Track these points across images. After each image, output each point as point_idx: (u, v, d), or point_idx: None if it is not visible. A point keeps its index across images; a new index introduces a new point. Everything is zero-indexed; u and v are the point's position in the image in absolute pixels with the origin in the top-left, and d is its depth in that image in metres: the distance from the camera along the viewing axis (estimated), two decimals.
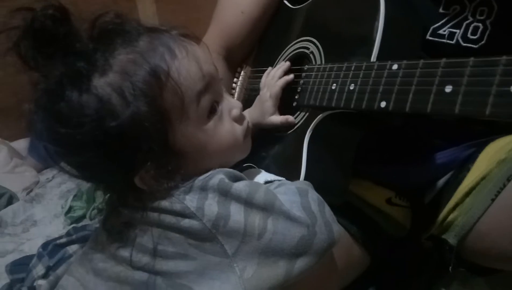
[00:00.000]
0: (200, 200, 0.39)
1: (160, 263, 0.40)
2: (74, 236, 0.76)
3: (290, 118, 0.57)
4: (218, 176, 0.41)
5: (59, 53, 0.38)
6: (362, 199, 0.65)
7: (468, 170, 0.61)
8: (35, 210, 1.08)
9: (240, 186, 0.40)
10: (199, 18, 1.68)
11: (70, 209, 1.03)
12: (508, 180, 0.55)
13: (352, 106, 0.45)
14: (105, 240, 0.44)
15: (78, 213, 1.00)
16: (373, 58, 0.46)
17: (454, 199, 0.61)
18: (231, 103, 0.46)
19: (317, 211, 0.42)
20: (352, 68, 0.46)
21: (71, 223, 0.98)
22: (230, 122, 0.46)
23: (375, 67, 0.43)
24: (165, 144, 0.40)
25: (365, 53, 0.46)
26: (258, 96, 0.61)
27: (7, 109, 1.60)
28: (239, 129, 0.46)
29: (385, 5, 0.46)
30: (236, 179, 0.42)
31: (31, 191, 1.23)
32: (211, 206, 0.39)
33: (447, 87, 0.34)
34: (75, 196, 1.07)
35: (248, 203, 0.39)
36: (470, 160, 0.61)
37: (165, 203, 0.40)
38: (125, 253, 0.41)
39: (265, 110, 0.58)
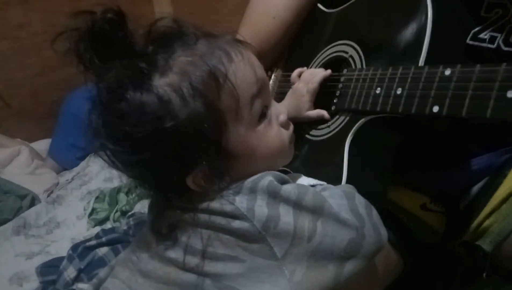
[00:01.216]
0: (250, 201, 0.39)
1: (209, 264, 0.40)
2: (104, 239, 0.76)
3: (325, 113, 0.57)
4: (267, 178, 0.41)
5: (117, 54, 0.39)
6: (397, 204, 0.65)
7: (505, 176, 0.60)
8: (57, 212, 1.09)
9: (289, 188, 0.40)
10: (217, 20, 1.71)
11: (92, 211, 1.04)
12: None
13: (400, 110, 0.45)
14: (152, 242, 0.45)
15: (101, 215, 1.01)
16: (421, 62, 0.45)
17: (490, 205, 0.60)
18: (278, 108, 0.46)
19: (365, 214, 0.42)
20: (399, 72, 0.46)
21: (95, 225, 0.98)
22: (278, 127, 0.46)
23: (425, 71, 0.43)
24: (219, 144, 0.40)
25: (411, 57, 0.46)
26: (291, 90, 0.61)
27: (26, 110, 1.62)
28: (285, 134, 0.47)
29: (432, 10, 0.46)
30: (284, 181, 0.43)
31: (51, 192, 1.24)
32: (261, 207, 0.39)
33: (509, 92, 0.34)
34: (97, 198, 1.08)
35: (297, 205, 0.39)
36: (506, 166, 0.61)
37: (215, 205, 0.40)
38: (173, 254, 0.42)
39: (301, 105, 0.59)
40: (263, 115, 0.44)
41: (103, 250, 0.74)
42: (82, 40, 0.39)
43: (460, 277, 0.71)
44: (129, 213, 0.95)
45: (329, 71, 0.58)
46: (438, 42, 0.47)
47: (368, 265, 0.41)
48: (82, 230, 0.98)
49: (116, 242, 0.75)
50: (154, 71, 0.39)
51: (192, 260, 0.41)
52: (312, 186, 0.48)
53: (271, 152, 0.45)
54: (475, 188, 0.64)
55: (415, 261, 0.65)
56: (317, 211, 0.40)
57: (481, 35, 0.56)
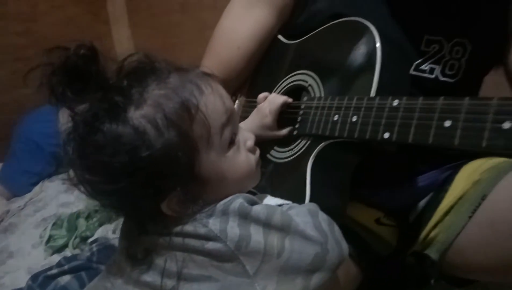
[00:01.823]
0: (222, 223, 0.42)
1: (185, 286, 0.42)
2: (66, 267, 0.74)
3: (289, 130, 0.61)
4: (238, 201, 0.44)
5: (92, 88, 0.41)
6: (354, 219, 0.70)
7: (446, 191, 0.67)
8: (10, 241, 1.04)
9: (258, 209, 0.43)
10: (175, 43, 1.73)
11: (49, 238, 1.00)
12: (483, 199, 0.62)
13: (355, 136, 0.50)
14: (126, 267, 0.46)
15: (59, 242, 0.98)
16: (372, 92, 0.51)
17: (435, 217, 0.67)
18: (245, 135, 0.50)
19: (328, 230, 0.45)
20: (354, 102, 0.51)
21: (53, 253, 0.95)
22: (245, 152, 0.49)
23: (377, 102, 0.48)
24: (192, 171, 0.43)
25: (364, 88, 0.52)
26: (256, 109, 0.64)
27: None
28: (253, 158, 0.50)
29: (381, 45, 0.52)
30: (254, 203, 0.46)
31: (1, 220, 1.17)
32: (233, 228, 0.41)
33: (446, 121, 0.40)
34: (54, 224, 1.04)
35: (266, 224, 0.42)
36: (447, 181, 0.68)
37: (189, 228, 0.42)
38: (149, 278, 0.43)
39: (265, 125, 0.62)
40: (232, 142, 0.47)
41: (65, 279, 0.72)
42: (56, 74, 0.41)
43: (412, 285, 0.78)
44: (91, 239, 0.93)
45: (291, 99, 0.62)
46: (387, 74, 0.53)
47: (331, 277, 0.45)
48: (39, 259, 0.94)
49: (79, 269, 0.73)
50: (129, 104, 0.41)
51: (168, 282, 0.42)
52: (279, 205, 0.52)
53: (240, 176, 0.48)
54: (422, 203, 0.70)
55: (371, 272, 0.70)
56: (285, 229, 0.43)
57: (422, 67, 0.63)
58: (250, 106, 0.72)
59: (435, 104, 0.41)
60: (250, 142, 0.50)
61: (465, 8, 0.61)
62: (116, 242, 0.85)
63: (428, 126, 0.41)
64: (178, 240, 0.42)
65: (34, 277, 0.74)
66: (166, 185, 0.42)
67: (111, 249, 0.81)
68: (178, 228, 0.43)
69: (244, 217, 0.42)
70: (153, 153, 0.39)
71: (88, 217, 1.02)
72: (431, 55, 0.63)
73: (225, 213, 0.43)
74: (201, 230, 0.42)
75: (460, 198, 0.64)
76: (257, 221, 0.42)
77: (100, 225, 1.00)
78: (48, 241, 0.99)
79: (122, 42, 1.89)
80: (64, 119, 1.47)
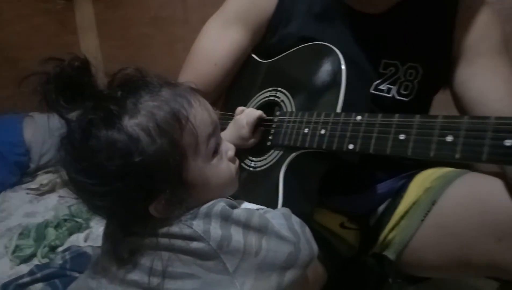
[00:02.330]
0: (206, 224, 0.46)
1: (169, 283, 0.45)
2: (39, 274, 0.74)
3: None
4: (220, 204, 0.48)
5: (84, 97, 0.44)
6: (321, 224, 0.76)
7: (402, 197, 0.75)
8: None
9: (239, 212, 0.48)
10: (145, 55, 1.74)
11: (16, 248, 0.98)
12: (433, 204, 0.70)
13: (324, 147, 0.56)
14: (111, 267, 0.48)
15: (26, 252, 0.96)
16: (338, 108, 0.57)
17: (392, 221, 0.75)
18: (227, 145, 0.55)
19: (300, 231, 0.50)
20: (322, 117, 0.57)
21: (20, 263, 0.93)
22: (227, 161, 0.54)
23: (342, 117, 0.55)
24: (180, 175, 0.46)
25: (331, 104, 0.58)
26: (233, 121, 0.68)
27: None
28: (233, 167, 0.55)
29: (346, 67, 0.59)
30: (234, 207, 0.50)
31: None
32: (216, 229, 0.46)
33: (401, 135, 0.47)
34: (20, 234, 1.03)
35: (246, 226, 0.47)
36: (403, 189, 0.76)
37: (175, 229, 0.46)
38: (136, 276, 0.46)
39: (242, 136, 0.66)
40: (216, 151, 0.52)
41: (38, 287, 0.71)
42: (50, 83, 0.44)
43: (372, 284, 0.84)
44: (62, 248, 0.92)
45: (265, 116, 0.67)
46: (351, 92, 0.59)
47: (302, 274, 0.50)
48: (5, 269, 0.92)
49: (52, 277, 0.73)
50: (124, 113, 0.44)
51: (154, 280, 0.45)
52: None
53: (222, 182, 0.53)
54: (381, 208, 0.78)
55: (336, 272, 0.76)
56: (262, 230, 0.47)
57: (380, 87, 0.71)
58: (224, 119, 0.76)
59: (392, 120, 0.48)
60: (231, 152, 0.55)
61: (417, 36, 0.69)
62: (89, 249, 0.86)
63: (386, 139, 0.48)
64: (164, 240, 0.46)
65: (4, 287, 0.74)
66: (156, 188, 0.45)
67: (85, 257, 0.81)
68: (164, 229, 0.46)
69: (226, 219, 0.47)
70: (145, 159, 0.43)
71: (57, 227, 1.01)
72: (388, 76, 0.70)
73: (208, 215, 0.47)
74: (186, 231, 0.45)
75: (414, 204, 0.72)
76: (237, 222, 0.47)
77: (70, 234, 0.99)
78: (14, 251, 0.97)
79: (90, 52, 1.87)
80: (28, 130, 1.45)
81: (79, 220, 1.03)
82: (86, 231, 0.98)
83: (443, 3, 0.69)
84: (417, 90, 0.70)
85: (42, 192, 1.28)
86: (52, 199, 1.25)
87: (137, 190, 0.44)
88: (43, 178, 1.33)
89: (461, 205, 0.67)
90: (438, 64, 0.70)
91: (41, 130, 1.46)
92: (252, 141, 0.67)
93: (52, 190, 1.30)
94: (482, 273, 0.68)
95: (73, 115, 0.45)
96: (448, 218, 0.68)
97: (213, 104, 0.82)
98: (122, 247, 0.49)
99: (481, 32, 0.67)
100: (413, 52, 0.69)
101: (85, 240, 0.94)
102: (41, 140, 1.44)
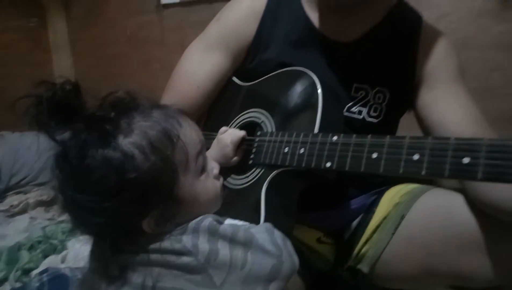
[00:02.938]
0: (194, 239, 0.48)
1: None
2: None
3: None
4: (207, 219, 0.51)
5: (76, 119, 0.46)
6: (298, 239, 0.79)
7: (374, 212, 0.80)
8: None
9: (225, 227, 0.51)
10: (120, 74, 1.75)
11: None
12: (402, 218, 0.75)
13: (303, 165, 0.60)
14: (101, 283, 0.50)
15: None
16: (316, 129, 0.62)
17: (365, 235, 0.79)
18: (212, 164, 0.58)
19: (282, 245, 0.53)
20: (301, 137, 0.61)
21: None
22: (212, 179, 0.57)
23: (319, 137, 0.59)
24: (172, 191, 0.49)
25: (309, 125, 0.63)
26: (216, 140, 0.70)
27: None
28: (218, 184, 0.58)
29: (322, 90, 0.64)
30: (220, 222, 0.53)
31: None
32: (203, 244, 0.48)
33: (373, 153, 0.51)
34: None
35: (232, 240, 0.49)
36: (374, 204, 0.81)
37: (165, 244, 0.48)
38: None
39: (226, 155, 0.69)
40: (203, 169, 0.55)
41: None
42: (42, 105, 0.46)
43: None
44: (37, 271, 0.90)
45: (243, 132, 0.70)
46: (326, 114, 0.64)
47: (284, 287, 0.53)
48: None
49: None
50: (118, 133, 0.47)
51: None
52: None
53: (209, 198, 0.56)
54: (354, 223, 0.82)
55: (313, 286, 0.80)
56: (248, 244, 0.50)
57: (352, 109, 0.76)
58: (206, 138, 0.79)
59: (365, 140, 0.53)
60: (216, 171, 0.58)
61: (384, 63, 0.76)
62: (67, 271, 0.85)
63: (360, 157, 0.53)
64: (154, 256, 0.48)
65: None
66: (149, 203, 0.47)
67: (63, 278, 0.80)
68: (155, 245, 0.48)
69: (213, 234, 0.49)
70: (140, 175, 0.46)
71: (31, 249, 0.99)
72: (359, 99, 0.76)
73: (196, 230, 0.49)
74: (176, 246, 0.48)
75: (384, 218, 0.77)
76: (224, 237, 0.49)
77: (45, 256, 0.97)
78: None
79: (63, 71, 1.86)
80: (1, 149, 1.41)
81: (54, 241, 1.01)
82: (63, 253, 0.97)
83: (407, 34, 0.76)
84: (385, 112, 0.76)
85: (12, 213, 1.24)
86: (23, 221, 1.21)
87: (132, 205, 0.46)
88: (13, 199, 1.30)
89: (427, 219, 0.73)
90: (403, 89, 0.76)
91: (12, 150, 1.43)
92: (235, 159, 0.70)
93: (23, 211, 1.27)
94: (450, 282, 0.73)
95: (64, 136, 0.47)
96: (416, 231, 0.73)
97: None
98: (113, 264, 0.50)
99: (439, 61, 0.74)
100: (381, 78, 0.76)
101: (62, 261, 0.93)
102: (12, 160, 1.40)
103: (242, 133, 0.69)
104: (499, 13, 1.03)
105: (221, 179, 0.59)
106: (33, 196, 1.31)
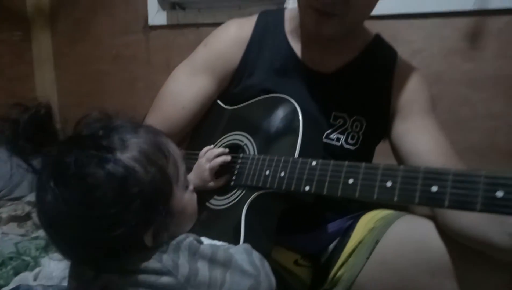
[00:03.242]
0: (174, 259, 0.49)
1: None
2: None
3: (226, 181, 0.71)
4: (188, 239, 0.52)
5: (53, 141, 0.48)
6: (276, 261, 0.81)
7: (350, 236, 0.82)
8: None
9: (206, 247, 0.52)
10: (103, 91, 1.76)
11: None
12: (376, 243, 0.78)
13: (283, 188, 0.62)
14: None
15: None
16: (296, 154, 0.65)
17: (341, 259, 0.81)
18: (188, 179, 0.60)
19: (260, 266, 0.55)
20: (282, 161, 0.64)
21: None
22: (192, 194, 0.59)
23: (300, 161, 0.62)
24: (169, 203, 0.51)
25: (290, 150, 0.65)
26: (197, 164, 0.73)
27: None
28: (196, 198, 0.60)
29: (302, 117, 0.67)
30: (200, 242, 0.54)
31: None
32: (184, 263, 0.49)
33: (350, 179, 0.54)
34: None
35: (211, 260, 0.51)
36: (350, 229, 0.83)
37: (145, 264, 0.49)
38: None
39: (205, 179, 0.72)
40: (187, 183, 0.57)
41: None
42: (17, 128, 0.47)
43: None
44: (10, 287, 0.87)
45: (229, 157, 0.73)
46: (306, 140, 0.67)
47: None
48: None
49: None
50: (115, 149, 0.48)
51: None
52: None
53: (192, 211, 0.58)
54: (331, 246, 0.84)
55: None
56: (226, 264, 0.51)
57: (331, 136, 0.80)
58: (189, 158, 0.81)
59: (342, 166, 0.56)
60: (192, 187, 0.60)
61: (362, 94, 0.80)
62: (40, 288, 0.83)
63: (337, 182, 0.56)
64: (135, 276, 0.48)
65: None
66: (152, 215, 0.49)
67: None
68: (136, 266, 0.48)
69: (193, 253, 0.51)
70: (143, 188, 0.47)
71: (2, 265, 0.96)
72: (338, 127, 0.80)
73: (176, 250, 0.50)
74: (156, 266, 0.48)
75: (360, 243, 0.80)
76: (203, 257, 0.51)
77: (16, 273, 0.94)
78: None
79: (45, 85, 1.85)
80: None
81: (26, 258, 0.98)
82: (36, 270, 0.94)
83: (383, 67, 0.81)
84: (362, 140, 0.80)
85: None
86: None
87: (138, 218, 0.47)
88: None
89: (400, 244, 0.76)
90: (379, 118, 0.80)
91: None
92: (211, 184, 0.72)
93: None
94: None
95: (53, 156, 0.47)
96: (390, 256, 0.76)
97: (179, 144, 0.87)
98: (91, 285, 0.50)
99: (413, 94, 0.79)
100: (358, 107, 0.80)
101: (35, 279, 0.90)
102: None
103: (219, 160, 0.72)
104: (468, 52, 1.11)
105: (195, 194, 0.61)
106: (6, 211, 1.28)
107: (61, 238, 0.49)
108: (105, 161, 0.46)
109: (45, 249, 1.02)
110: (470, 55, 1.11)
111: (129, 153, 0.48)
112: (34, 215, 1.21)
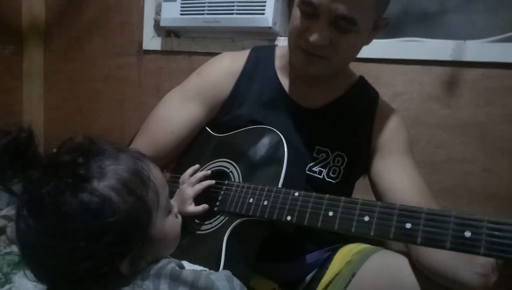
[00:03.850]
0: (155, 285, 0.50)
1: None
2: None
3: (205, 208, 0.72)
4: (170, 265, 0.53)
5: (33, 167, 0.47)
6: (253, 288, 0.81)
7: (327, 268, 0.84)
8: None
9: (187, 273, 0.53)
10: (92, 109, 1.76)
11: None
12: (353, 276, 0.80)
13: (266, 216, 0.64)
14: None
15: None
16: (280, 183, 0.67)
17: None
18: (172, 203, 0.61)
19: None
20: (266, 190, 0.66)
21: None
22: (175, 218, 0.60)
23: (283, 191, 0.64)
24: (147, 231, 0.51)
25: (274, 179, 0.68)
26: (179, 189, 0.75)
27: None
28: (179, 222, 0.61)
29: (287, 149, 0.70)
30: (182, 267, 0.55)
31: None
32: (165, 289, 0.50)
33: (330, 212, 0.57)
34: None
35: (193, 286, 0.51)
36: (328, 260, 0.85)
37: (125, 289, 0.49)
38: None
39: (185, 202, 0.72)
40: (169, 208, 0.58)
41: None
42: None
43: None
44: None
45: (213, 181, 0.75)
46: (290, 171, 0.70)
47: None
48: None
49: None
50: (92, 177, 0.48)
51: None
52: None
53: (174, 237, 0.59)
54: (308, 277, 0.86)
55: None
56: None
57: (314, 168, 0.83)
58: (174, 182, 0.82)
59: (323, 198, 0.59)
60: (176, 210, 0.61)
61: (344, 131, 0.84)
62: None
63: (318, 214, 0.58)
64: None
65: None
66: (128, 244, 0.49)
67: None
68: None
69: (174, 279, 0.51)
70: (119, 217, 0.47)
71: None
72: (320, 160, 0.83)
73: (158, 276, 0.51)
74: None
75: (336, 275, 0.82)
76: (185, 283, 0.51)
77: None
78: None
79: (32, 98, 1.84)
80: None
81: None
82: (6, 286, 0.91)
83: (365, 107, 0.86)
84: (343, 174, 0.83)
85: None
86: None
87: (113, 248, 0.47)
88: None
89: (375, 278, 0.78)
90: (360, 155, 0.84)
91: None
92: (190, 209, 0.73)
93: None
94: None
95: (30, 184, 0.47)
96: (365, 289, 0.78)
97: (164, 167, 0.88)
98: None
99: (392, 134, 0.83)
100: (340, 143, 0.84)
101: None
102: None
103: (205, 184, 0.74)
104: (445, 99, 1.18)
105: (180, 217, 0.62)
106: None
107: (34, 264, 0.49)
108: (80, 190, 0.46)
109: (18, 265, 1.00)
110: (447, 101, 1.18)
111: (106, 181, 0.48)
112: (9, 230, 1.19)
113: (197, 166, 0.78)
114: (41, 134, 0.52)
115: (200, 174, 0.76)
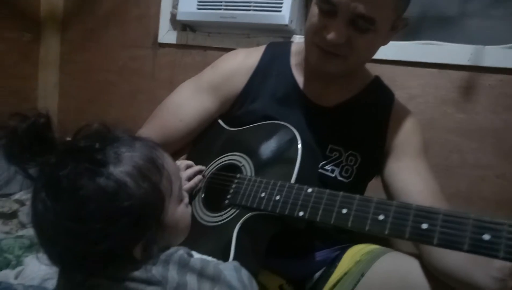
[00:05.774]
0: (164, 270, 0.51)
1: None
2: None
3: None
4: (179, 252, 0.53)
5: (50, 151, 0.48)
6: (261, 283, 0.81)
7: (336, 267, 0.84)
8: None
9: (196, 261, 0.53)
10: (106, 100, 1.78)
11: None
12: (362, 276, 0.79)
13: (277, 211, 0.64)
14: None
15: None
16: (293, 179, 0.67)
17: (325, 288, 0.82)
18: (184, 193, 0.61)
19: (248, 283, 0.56)
20: (278, 185, 0.66)
21: None
22: (186, 207, 0.60)
23: (296, 187, 0.64)
24: (160, 217, 0.52)
25: (287, 175, 0.68)
26: None
27: None
28: (190, 212, 0.61)
29: (302, 146, 0.70)
30: (191, 255, 0.56)
31: None
32: (173, 275, 0.50)
33: (343, 209, 0.57)
34: None
35: (201, 274, 0.52)
36: (337, 259, 0.85)
37: (135, 273, 0.50)
38: None
39: None
40: (181, 197, 0.58)
41: None
42: (15, 136, 0.48)
43: None
44: None
45: (200, 176, 0.77)
46: (303, 167, 0.69)
47: None
48: None
49: None
50: (108, 163, 0.49)
51: None
52: None
53: (185, 225, 0.59)
54: (317, 275, 0.85)
55: None
56: (215, 279, 0.53)
57: (326, 167, 0.82)
58: None
59: (337, 196, 0.58)
60: (187, 199, 0.62)
61: (359, 130, 0.84)
62: (20, 288, 0.82)
63: (331, 211, 0.58)
64: (124, 284, 0.49)
65: None
66: (142, 229, 0.50)
67: None
68: (127, 274, 0.49)
69: (183, 266, 0.52)
70: (134, 202, 0.48)
71: None
72: (333, 159, 0.83)
73: (167, 262, 0.51)
74: (145, 275, 0.49)
75: (345, 274, 0.81)
76: (193, 270, 0.52)
77: None
78: None
79: (47, 87, 1.87)
80: None
81: (9, 256, 0.97)
82: (18, 268, 0.93)
83: (380, 107, 0.85)
84: (356, 174, 0.83)
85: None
86: None
87: (127, 232, 0.48)
88: None
89: (384, 279, 0.77)
90: (373, 155, 0.84)
91: None
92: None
93: None
94: None
95: (49, 167, 0.48)
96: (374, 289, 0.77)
97: (174, 155, 0.89)
98: (83, 286, 0.50)
99: (407, 136, 0.83)
100: (354, 143, 0.83)
101: (16, 277, 0.89)
102: None
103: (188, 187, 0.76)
104: (461, 103, 1.16)
105: (190, 207, 0.62)
106: None
107: (49, 246, 0.50)
108: (98, 174, 0.47)
109: (29, 249, 1.01)
110: (463, 106, 1.16)
111: (122, 167, 0.49)
112: (21, 214, 1.20)
113: (191, 162, 0.79)
114: (55, 130, 0.53)
115: (190, 170, 0.77)
